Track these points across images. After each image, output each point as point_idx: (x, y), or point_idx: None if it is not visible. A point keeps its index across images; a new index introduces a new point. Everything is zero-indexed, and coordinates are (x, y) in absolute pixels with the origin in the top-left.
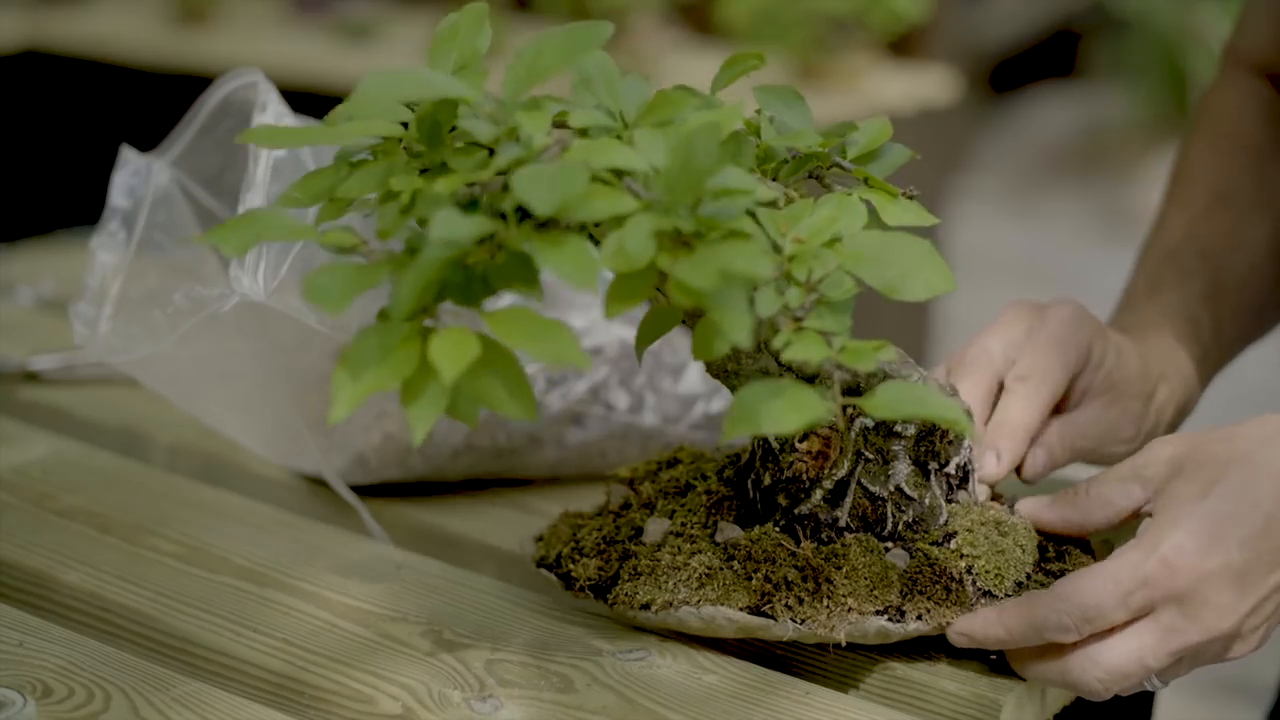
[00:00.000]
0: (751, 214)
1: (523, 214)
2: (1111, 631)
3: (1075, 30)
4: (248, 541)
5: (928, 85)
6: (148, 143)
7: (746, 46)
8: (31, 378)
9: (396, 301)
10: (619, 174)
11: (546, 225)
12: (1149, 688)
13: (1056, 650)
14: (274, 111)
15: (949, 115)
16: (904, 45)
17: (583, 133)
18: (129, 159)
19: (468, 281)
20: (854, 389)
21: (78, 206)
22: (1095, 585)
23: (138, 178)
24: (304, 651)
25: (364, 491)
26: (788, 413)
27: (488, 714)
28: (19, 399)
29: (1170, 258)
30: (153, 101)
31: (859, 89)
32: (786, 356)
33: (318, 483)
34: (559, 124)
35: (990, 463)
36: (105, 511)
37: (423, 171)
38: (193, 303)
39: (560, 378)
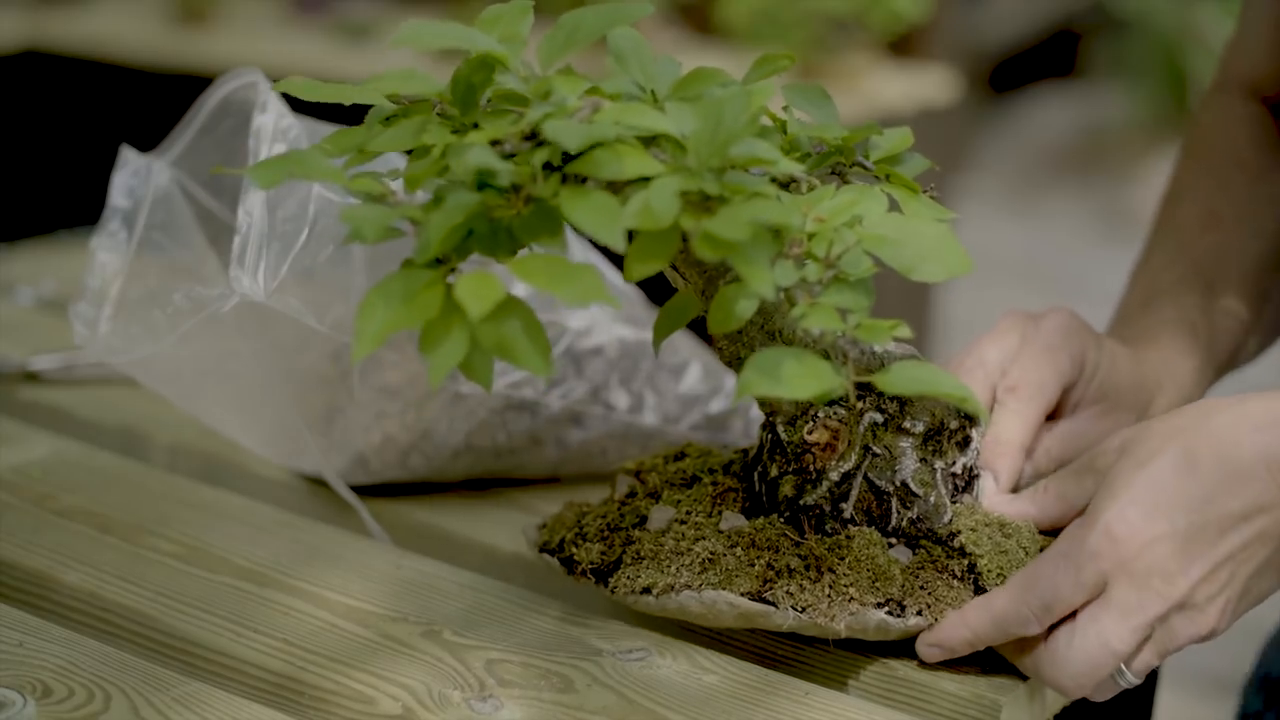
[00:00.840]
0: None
1: (550, 170)
2: (1072, 619)
3: (1075, 30)
4: (248, 541)
5: (928, 85)
6: (148, 143)
7: (746, 46)
8: (31, 378)
9: (423, 244)
10: (647, 144)
11: (573, 181)
12: (1124, 684)
13: (1030, 647)
14: (274, 111)
15: (949, 115)
16: (904, 45)
17: (614, 99)
18: (129, 159)
19: (494, 233)
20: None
21: (78, 206)
22: (1047, 571)
23: (138, 178)
24: (304, 651)
25: (364, 491)
26: (804, 378)
27: (488, 714)
28: (19, 399)
29: (1165, 273)
30: (153, 101)
31: (859, 89)
32: (804, 325)
33: (318, 483)
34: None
35: (990, 487)
36: (105, 511)
37: (454, 132)
38: (193, 303)
39: (560, 377)
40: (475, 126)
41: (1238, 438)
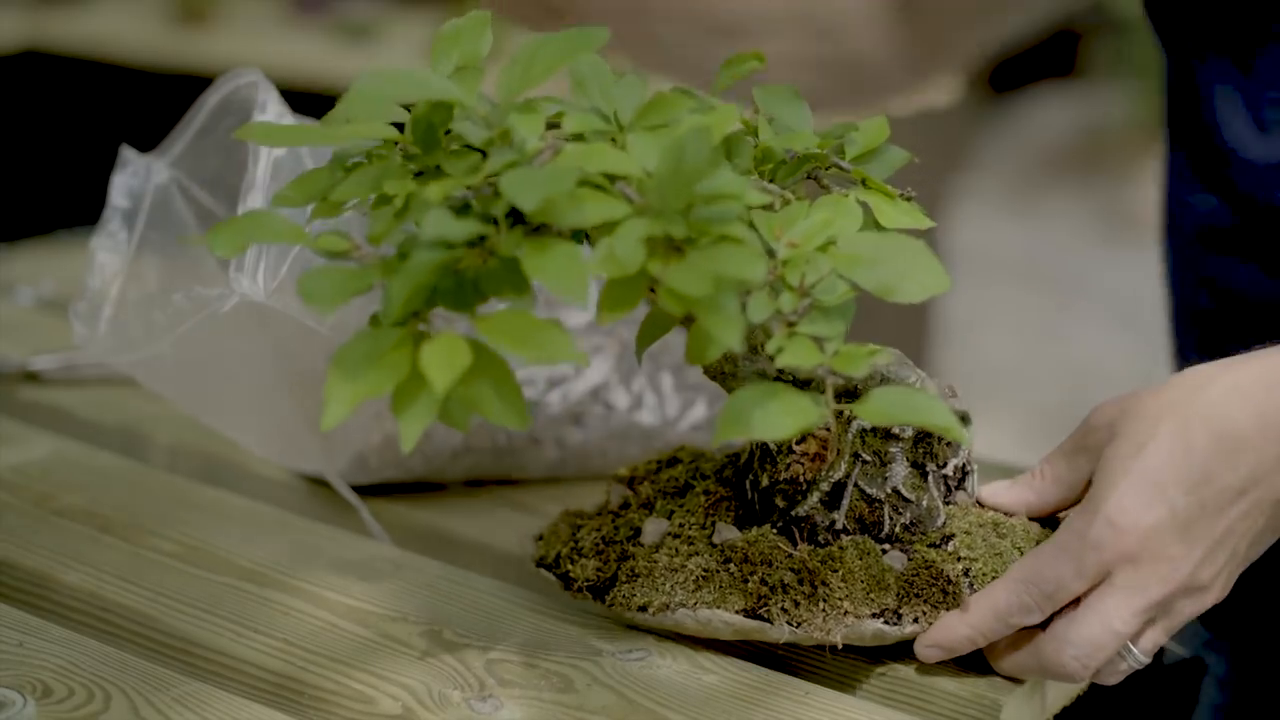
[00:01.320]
0: (745, 218)
1: (515, 219)
2: (1076, 606)
3: (1075, 30)
4: (248, 541)
5: (927, 85)
6: (148, 143)
7: None
8: (31, 378)
9: (388, 305)
10: (612, 179)
11: (538, 231)
12: (1132, 664)
13: (1028, 639)
14: (274, 112)
15: (949, 115)
16: None
17: (577, 137)
18: (129, 159)
19: (459, 287)
20: (850, 391)
21: (78, 206)
22: (1047, 560)
23: (137, 178)
24: (304, 651)
25: (364, 491)
26: (780, 417)
27: (488, 714)
28: (19, 399)
29: None
30: (153, 101)
31: None
32: (779, 363)
33: (318, 483)
34: (553, 127)
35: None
36: (105, 511)
37: (417, 175)
38: (193, 303)
39: (560, 378)
40: (438, 169)
41: (1229, 410)
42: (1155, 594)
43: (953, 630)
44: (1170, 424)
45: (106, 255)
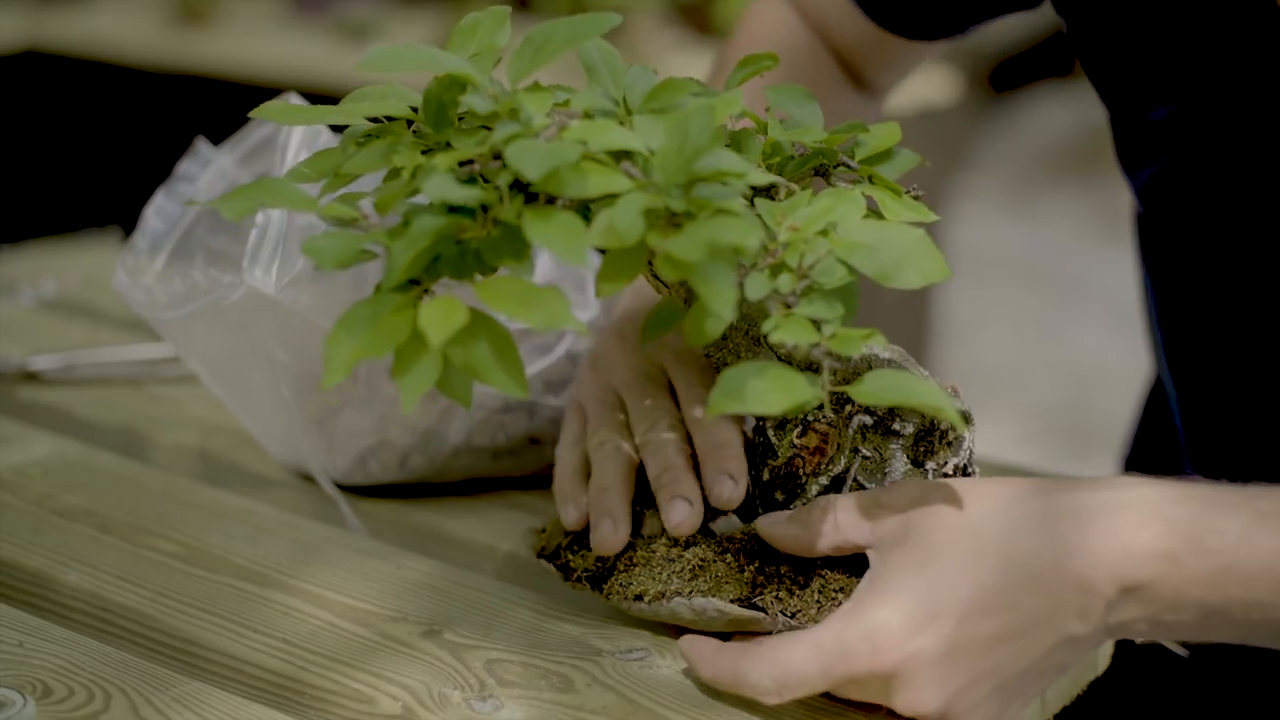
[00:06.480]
0: (750, 202)
1: (517, 190)
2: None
3: None
4: (248, 541)
5: (928, 85)
6: (147, 142)
7: None
8: (31, 378)
9: (390, 270)
10: (618, 158)
11: (540, 201)
12: None
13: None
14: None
15: (949, 115)
16: None
17: (585, 115)
18: (201, 149)
19: (461, 256)
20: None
21: (78, 207)
22: (799, 651)
23: (204, 167)
24: (304, 651)
25: (364, 492)
26: (774, 392)
27: (488, 714)
28: (19, 399)
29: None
30: (153, 101)
31: None
32: (775, 339)
33: (317, 483)
34: (561, 108)
35: (728, 487)
36: (105, 511)
37: (426, 151)
38: (208, 283)
39: (559, 379)
40: (448, 145)
41: (1032, 544)
42: (898, 707)
43: (700, 659)
44: (962, 546)
45: (159, 221)
